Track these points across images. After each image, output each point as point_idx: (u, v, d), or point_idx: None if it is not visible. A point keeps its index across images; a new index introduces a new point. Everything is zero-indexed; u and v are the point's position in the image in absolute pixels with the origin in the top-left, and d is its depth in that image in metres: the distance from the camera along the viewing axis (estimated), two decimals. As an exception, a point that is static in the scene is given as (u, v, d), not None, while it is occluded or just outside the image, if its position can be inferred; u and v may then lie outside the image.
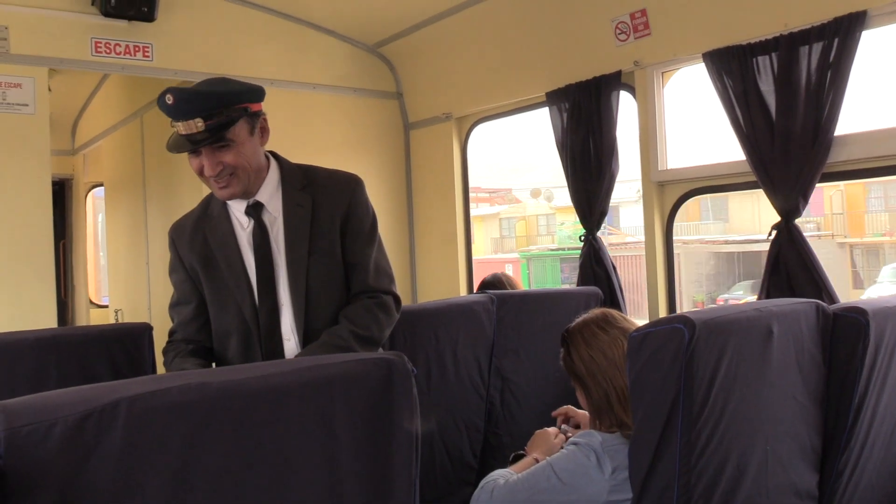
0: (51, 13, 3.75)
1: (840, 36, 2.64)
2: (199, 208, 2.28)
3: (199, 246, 2.19)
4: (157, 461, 0.94)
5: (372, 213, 2.32)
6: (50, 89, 3.98)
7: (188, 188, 4.36)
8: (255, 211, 2.18)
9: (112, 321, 5.75)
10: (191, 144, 2.01)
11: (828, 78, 2.67)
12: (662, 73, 3.37)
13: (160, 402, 0.93)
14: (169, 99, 1.98)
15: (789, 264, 2.74)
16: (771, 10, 2.86)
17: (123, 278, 5.83)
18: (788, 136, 2.76)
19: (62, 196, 6.96)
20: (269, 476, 1.03)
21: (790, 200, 2.77)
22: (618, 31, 3.40)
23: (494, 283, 3.60)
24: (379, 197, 4.75)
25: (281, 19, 4.39)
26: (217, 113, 2.00)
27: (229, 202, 2.18)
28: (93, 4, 3.79)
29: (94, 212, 7.70)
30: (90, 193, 7.26)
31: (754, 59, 2.88)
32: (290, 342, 2.16)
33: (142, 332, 2.32)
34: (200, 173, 2.08)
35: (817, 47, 2.71)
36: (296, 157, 4.34)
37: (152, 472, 0.93)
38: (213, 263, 2.17)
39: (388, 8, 4.24)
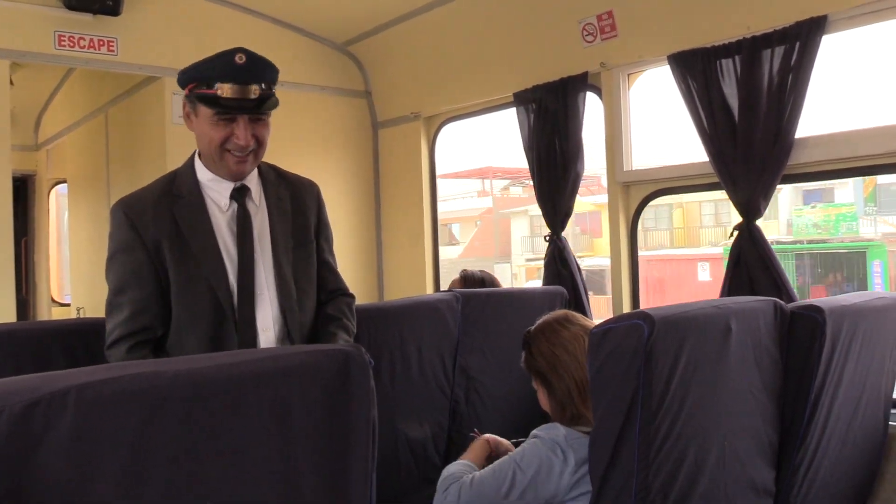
0: (13, 5, 3.69)
1: (801, 40, 2.68)
2: (158, 187, 2.12)
3: (166, 225, 2.02)
4: (108, 450, 0.92)
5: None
6: (12, 83, 3.92)
7: (153, 185, 4.30)
8: (240, 195, 2.11)
9: (74, 319, 5.67)
10: (239, 109, 1.96)
11: (789, 81, 2.72)
12: (628, 74, 3.40)
13: (111, 390, 0.92)
14: (241, 58, 1.94)
15: (750, 264, 2.78)
16: (734, 13, 2.90)
17: (86, 276, 5.74)
18: (750, 137, 2.80)
19: (24, 192, 6.85)
20: (222, 466, 1.02)
21: (752, 201, 2.81)
22: (585, 33, 3.42)
23: (470, 279, 3.59)
24: (346, 195, 4.74)
25: (249, 16, 4.37)
26: (270, 84, 2.02)
27: (204, 183, 2.09)
28: (56, -3, 3.74)
29: (57, 209, 7.58)
30: (53, 190, 7.15)
31: (718, 62, 2.92)
32: (269, 333, 2.08)
33: (101, 327, 2.28)
34: (223, 142, 1.99)
35: (779, 51, 2.75)
36: (265, 155, 4.35)
37: (103, 462, 0.92)
38: (183, 246, 2.02)
39: (358, 6, 4.24)
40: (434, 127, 4.56)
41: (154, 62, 4.04)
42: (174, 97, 4.09)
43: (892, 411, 2.53)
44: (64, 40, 3.79)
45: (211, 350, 1.96)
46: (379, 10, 4.22)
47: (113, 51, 3.90)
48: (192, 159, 2.14)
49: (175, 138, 4.11)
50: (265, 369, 1.09)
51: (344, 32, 4.59)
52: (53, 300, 7.05)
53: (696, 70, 2.96)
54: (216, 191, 2.09)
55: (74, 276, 6.20)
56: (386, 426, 2.21)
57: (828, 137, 2.76)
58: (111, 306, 2.04)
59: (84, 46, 3.84)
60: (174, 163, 4.01)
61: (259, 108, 1.98)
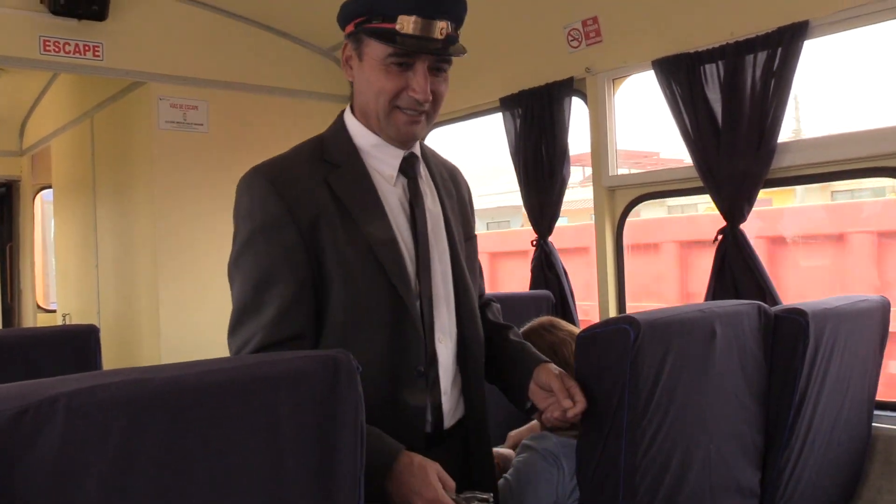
0: (-3, 10, 3.68)
1: (783, 45, 2.71)
2: (305, 152, 1.68)
3: (323, 198, 1.57)
4: (96, 457, 0.93)
5: None
6: (-4, 88, 3.91)
7: (141, 191, 4.30)
8: (410, 167, 1.68)
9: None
10: (421, 51, 1.54)
11: (771, 86, 2.75)
12: (613, 79, 3.42)
13: (100, 397, 0.93)
14: None
15: (734, 267, 2.81)
16: (717, 19, 2.93)
17: (72, 282, 5.72)
18: (734, 142, 2.82)
19: (9, 198, 6.82)
20: (210, 473, 1.03)
21: (735, 205, 2.83)
22: (570, 38, 3.45)
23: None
24: (334, 200, 4.74)
25: (235, 21, 4.37)
26: (459, 23, 1.59)
27: (364, 149, 1.66)
28: (42, 2, 3.72)
29: (42, 214, 7.54)
30: (38, 196, 7.11)
31: (701, 67, 2.94)
32: (444, 346, 1.67)
33: (88, 334, 2.27)
34: (395, 95, 1.57)
35: (762, 56, 2.78)
36: (250, 160, 4.32)
37: (91, 468, 0.92)
38: (347, 225, 1.57)
39: (344, 11, 4.24)
40: (421, 132, 4.57)
41: (140, 67, 4.03)
42: (160, 102, 4.09)
43: (875, 412, 2.56)
44: (49, 45, 3.78)
45: (389, 362, 1.58)
46: (365, 15, 4.23)
47: (98, 56, 3.89)
48: (340, 122, 1.71)
49: (162, 143, 4.11)
50: (253, 376, 1.09)
51: (329, 37, 4.60)
52: (39, 306, 7.02)
53: (680, 75, 2.99)
54: (380, 159, 1.66)
55: (60, 283, 6.17)
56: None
57: (808, 142, 2.79)
58: (246, 308, 1.56)
59: (69, 51, 3.83)
60: (162, 168, 4.09)
61: (448, 53, 1.56)
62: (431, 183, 1.75)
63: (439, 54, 1.55)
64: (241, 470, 1.07)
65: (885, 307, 2.49)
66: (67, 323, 5.49)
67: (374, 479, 1.39)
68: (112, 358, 4.13)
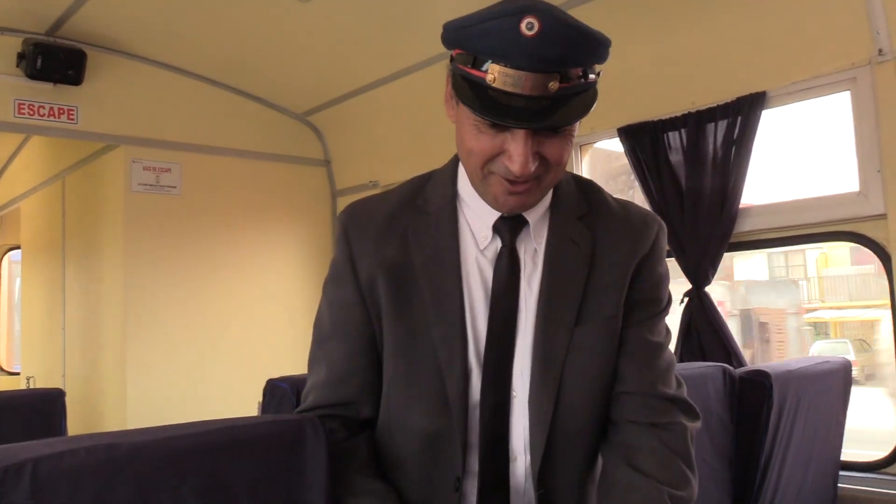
0: (-28, 74, 3.71)
1: (742, 114, 2.82)
2: (403, 193, 1.38)
3: (392, 252, 1.31)
4: (62, 524, 0.93)
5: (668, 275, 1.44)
6: (-33, 150, 3.92)
7: (111, 253, 4.29)
8: (510, 229, 1.31)
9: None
10: (527, 117, 1.12)
11: (732, 153, 2.84)
12: (581, 146, 3.51)
13: (67, 463, 0.93)
14: (531, 25, 1.08)
15: (700, 330, 2.86)
16: (680, 89, 3.04)
17: (37, 344, 5.63)
18: (697, 207, 2.90)
19: (-25, 259, 6.73)
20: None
21: (700, 269, 2.89)
22: (538, 106, 3.54)
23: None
24: (305, 263, 4.76)
25: (209, 85, 4.43)
26: (581, 71, 1.15)
27: (464, 197, 1.34)
28: (18, 66, 3.76)
29: (9, 275, 7.45)
30: (6, 256, 7.04)
31: (665, 135, 3.04)
32: (518, 462, 1.29)
33: (55, 398, 2.25)
34: (487, 160, 1.20)
35: (722, 124, 2.88)
36: (224, 222, 4.39)
37: (57, 536, 0.92)
38: (410, 287, 1.30)
39: (318, 78, 4.33)
40: (393, 195, 4.63)
41: (114, 130, 4.07)
42: (133, 164, 4.11)
43: (841, 473, 2.59)
44: (24, 108, 3.81)
45: (425, 462, 1.30)
46: (339, 81, 4.32)
47: (73, 119, 3.93)
48: (456, 157, 1.37)
49: (134, 207, 4.12)
50: (219, 441, 1.10)
51: (303, 103, 4.68)
52: (1, 368, 6.88)
53: (644, 142, 3.08)
54: (476, 212, 1.32)
55: (25, 345, 6.07)
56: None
57: (769, 207, 2.88)
58: (311, 356, 1.40)
59: (44, 114, 3.86)
60: (133, 230, 4.09)
61: (549, 117, 1.13)
62: (544, 247, 1.33)
63: (537, 126, 1.13)
64: (208, 536, 1.07)
65: (846, 368, 2.55)
66: (31, 386, 5.38)
67: None
68: (77, 422, 4.06)
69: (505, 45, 1.10)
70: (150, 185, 4.16)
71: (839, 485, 2.58)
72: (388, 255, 1.30)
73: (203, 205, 4.33)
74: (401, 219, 1.33)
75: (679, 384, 1.39)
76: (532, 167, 1.17)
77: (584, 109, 1.16)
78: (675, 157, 3.03)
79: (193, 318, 4.23)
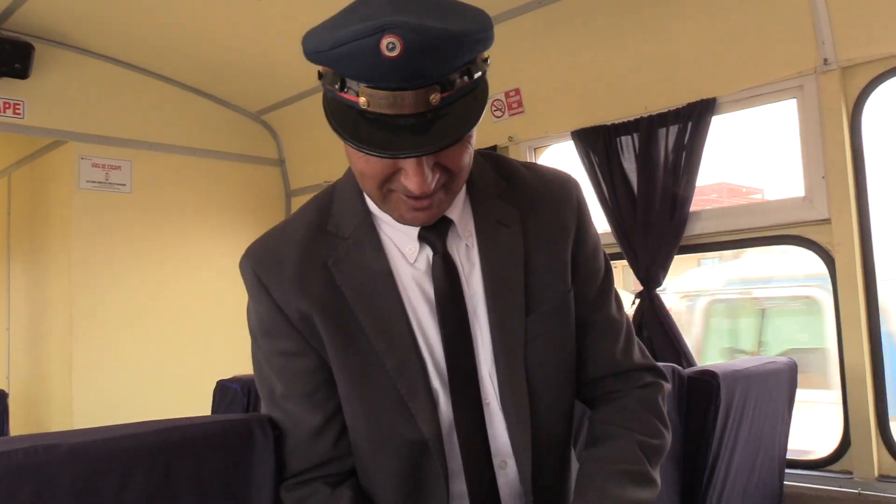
0: (-87, 66, 3.60)
1: (693, 120, 2.87)
2: (306, 221, 1.26)
3: (318, 288, 1.19)
4: (-1, 526, 0.90)
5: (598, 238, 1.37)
6: None
7: (59, 251, 4.19)
8: (437, 234, 1.22)
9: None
10: (412, 143, 1.00)
11: (683, 157, 2.89)
12: (535, 148, 3.54)
13: (4, 464, 0.90)
14: (392, 46, 0.95)
15: (651, 330, 2.90)
16: (632, 94, 3.08)
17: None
18: (649, 210, 2.95)
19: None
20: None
21: (651, 271, 2.94)
22: (494, 108, 3.56)
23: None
24: (259, 263, 4.70)
25: (161, 82, 4.36)
26: (463, 71, 1.02)
27: (378, 215, 1.23)
28: (-39, 59, 3.66)
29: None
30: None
31: (618, 139, 3.08)
32: (507, 469, 1.24)
33: (-4, 400, 2.20)
34: (383, 182, 1.09)
35: (673, 129, 2.93)
36: (176, 221, 4.32)
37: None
38: (348, 323, 1.19)
39: (273, 77, 4.29)
40: (348, 195, 4.61)
41: (62, 126, 3.98)
42: (82, 161, 4.02)
43: (786, 471, 2.65)
44: (-33, 102, 3.71)
45: (407, 501, 1.23)
46: (293, 80, 4.29)
47: (19, 113, 3.83)
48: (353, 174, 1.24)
49: (83, 204, 4.03)
50: (162, 441, 1.08)
51: (258, 101, 4.64)
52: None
53: (597, 146, 3.12)
54: (396, 227, 1.22)
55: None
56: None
57: (717, 211, 2.94)
58: (273, 416, 1.26)
59: (-12, 109, 3.76)
60: (82, 229, 4.00)
61: (437, 134, 1.02)
62: (475, 240, 1.25)
63: (425, 153, 1.01)
64: (152, 538, 1.05)
65: (792, 368, 2.60)
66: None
67: None
68: (20, 424, 3.96)
69: (369, 69, 0.97)
70: (100, 182, 4.08)
71: (785, 482, 2.64)
72: (314, 293, 1.19)
73: (154, 203, 4.26)
74: (316, 251, 1.21)
75: (641, 350, 1.39)
76: (433, 185, 1.07)
77: (476, 113, 1.04)
78: (628, 161, 3.07)
79: (142, 319, 4.16)
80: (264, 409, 1.27)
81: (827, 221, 2.62)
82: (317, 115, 4.75)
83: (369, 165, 1.07)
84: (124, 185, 4.15)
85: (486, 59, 1.07)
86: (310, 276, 1.19)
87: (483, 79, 1.07)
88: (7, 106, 3.80)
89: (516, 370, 1.21)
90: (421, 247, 1.21)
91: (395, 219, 1.18)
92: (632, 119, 3.05)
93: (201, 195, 4.49)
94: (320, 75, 1.08)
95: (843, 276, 2.57)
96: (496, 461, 1.22)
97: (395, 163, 1.06)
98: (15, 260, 4.89)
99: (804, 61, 2.64)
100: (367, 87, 0.99)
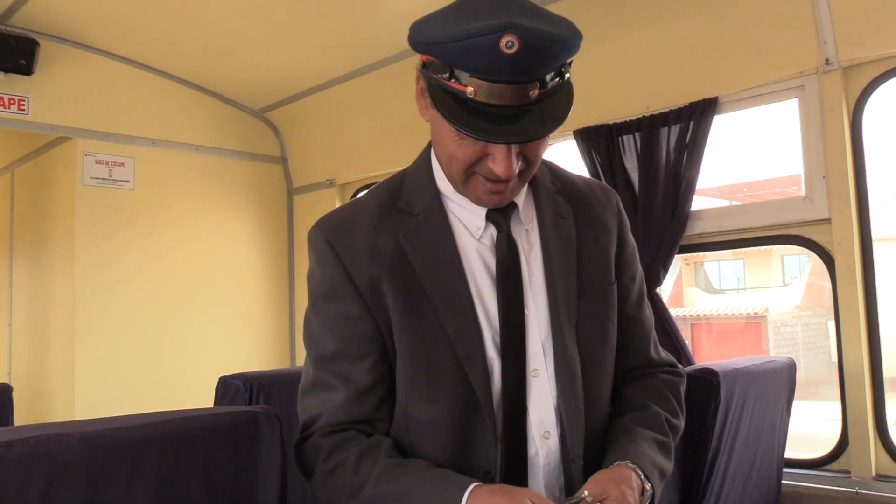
0: (-82, 62, 3.61)
1: (695, 119, 2.88)
2: (378, 198, 1.38)
3: (390, 258, 1.31)
4: (11, 513, 0.92)
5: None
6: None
7: (61, 247, 4.20)
8: (503, 215, 1.34)
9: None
10: (512, 131, 1.15)
11: (684, 157, 2.90)
12: (537, 147, 3.55)
13: (17, 452, 0.92)
14: (511, 44, 1.09)
15: (651, 329, 2.91)
16: (635, 94, 3.10)
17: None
18: (650, 209, 2.96)
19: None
20: (129, 530, 1.02)
21: (652, 270, 2.95)
22: (496, 107, 3.57)
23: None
24: (260, 260, 4.73)
25: (165, 79, 4.38)
26: (557, 71, 1.18)
27: (447, 195, 1.35)
28: (-35, 55, 3.68)
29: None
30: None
31: (620, 138, 3.09)
32: (551, 440, 1.31)
33: (2, 393, 2.21)
34: (470, 165, 1.24)
35: (675, 129, 2.94)
36: (177, 218, 4.34)
37: (6, 525, 0.91)
38: (415, 290, 1.29)
39: (276, 75, 4.31)
40: (349, 194, 4.62)
41: (66, 122, 3.99)
42: (85, 157, 4.04)
43: (785, 470, 2.66)
44: (-29, 98, 3.72)
45: (454, 463, 1.26)
46: (297, 79, 4.30)
47: (24, 110, 3.84)
48: (426, 156, 1.41)
49: (85, 201, 4.05)
50: (170, 431, 1.09)
51: (261, 99, 4.65)
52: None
53: (599, 145, 3.13)
54: (464, 207, 1.35)
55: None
56: (300, 493, 2.18)
57: (718, 210, 2.96)
58: (312, 382, 1.35)
59: (-7, 105, 3.77)
60: (84, 225, 4.02)
61: (533, 124, 1.17)
62: (537, 227, 1.38)
63: (526, 140, 1.17)
64: (160, 527, 1.06)
65: (791, 368, 2.61)
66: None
67: None
68: (23, 419, 3.97)
69: (485, 63, 1.11)
70: (103, 179, 4.09)
71: (783, 481, 2.65)
72: (385, 260, 1.30)
73: (157, 200, 4.28)
74: (387, 224, 1.33)
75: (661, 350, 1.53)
76: (516, 170, 1.22)
77: (566, 108, 1.19)
78: (629, 161, 3.08)
79: (145, 315, 4.17)
80: (309, 373, 1.35)
81: (827, 221, 2.63)
82: (320, 113, 4.78)
83: (462, 149, 1.22)
84: (128, 181, 4.17)
85: (570, 63, 1.21)
86: (381, 245, 1.31)
87: (569, 81, 1.22)
88: (12, 102, 3.82)
89: (569, 345, 1.31)
90: (487, 225, 1.34)
91: (472, 200, 1.31)
92: (634, 118, 3.06)
93: (204, 192, 4.50)
94: (424, 65, 1.21)
95: (843, 275, 2.58)
96: (538, 432, 1.30)
97: (485, 148, 1.21)
98: (18, 255, 4.90)
99: (806, 61, 2.65)
100: (480, 78, 1.12)
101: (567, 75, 1.20)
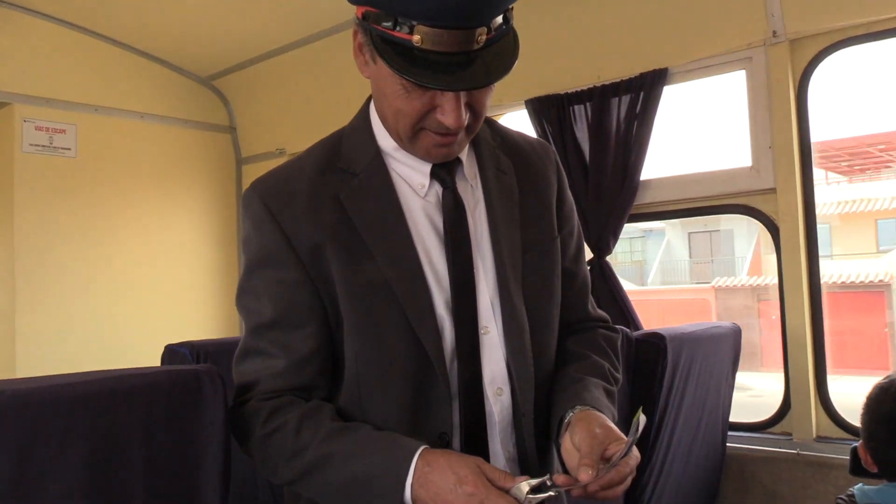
0: None
1: (645, 90, 2.90)
2: (316, 159, 1.34)
3: (329, 219, 1.26)
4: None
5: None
6: None
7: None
8: (447, 171, 1.32)
9: None
10: (462, 78, 1.12)
11: (634, 127, 2.92)
12: (489, 117, 3.53)
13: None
14: None
15: (601, 296, 2.93)
16: (586, 64, 3.10)
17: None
18: (601, 178, 2.97)
19: None
20: (65, 489, 0.99)
21: (602, 239, 2.97)
22: (448, 76, 3.54)
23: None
24: (208, 229, 4.65)
25: (109, 44, 4.24)
26: (505, 17, 1.17)
27: (389, 153, 1.32)
28: None
29: None
30: None
31: (571, 108, 3.10)
32: (503, 396, 1.30)
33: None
34: (418, 120, 1.21)
35: (625, 99, 2.95)
36: (122, 187, 4.24)
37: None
38: (360, 252, 1.26)
39: (224, 41, 4.21)
40: (300, 164, 4.56)
41: (4, 87, 3.84)
42: (25, 123, 3.90)
43: (729, 433, 2.72)
44: None
45: (409, 426, 1.24)
46: (245, 45, 4.21)
47: (-43, 74, 3.70)
48: (364, 114, 1.37)
49: (25, 169, 3.91)
50: (107, 389, 1.06)
51: (208, 66, 4.54)
52: None
53: (551, 115, 3.13)
54: (408, 164, 1.32)
55: None
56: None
57: (668, 180, 2.98)
58: (248, 350, 1.31)
59: (-76, 69, 3.62)
60: (23, 195, 3.89)
61: (481, 70, 1.14)
62: (480, 183, 1.37)
63: (478, 86, 1.15)
64: (96, 484, 1.04)
65: (736, 333, 2.67)
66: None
67: None
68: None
69: (431, 7, 1.07)
70: (44, 146, 3.96)
71: (728, 444, 2.71)
72: (326, 223, 1.25)
73: (100, 169, 4.16)
74: (327, 185, 1.28)
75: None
76: (465, 120, 1.19)
77: (512, 57, 1.17)
78: (580, 131, 3.09)
79: (89, 285, 4.07)
80: (246, 341, 1.31)
81: (772, 191, 2.68)
82: (269, 82, 4.67)
83: (409, 103, 1.19)
84: (69, 149, 4.04)
85: (511, 8, 1.18)
86: (322, 208, 1.26)
87: (514, 28, 1.20)
88: (-55, 66, 3.67)
89: (516, 301, 1.30)
90: (431, 183, 1.31)
91: (419, 156, 1.28)
92: (585, 88, 3.06)
93: (149, 161, 4.39)
94: (364, 17, 1.17)
95: (787, 244, 2.64)
96: (491, 389, 1.29)
97: (433, 100, 1.18)
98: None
99: (754, 33, 2.68)
100: (426, 25, 1.09)
101: (511, 21, 1.18)
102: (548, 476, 1.12)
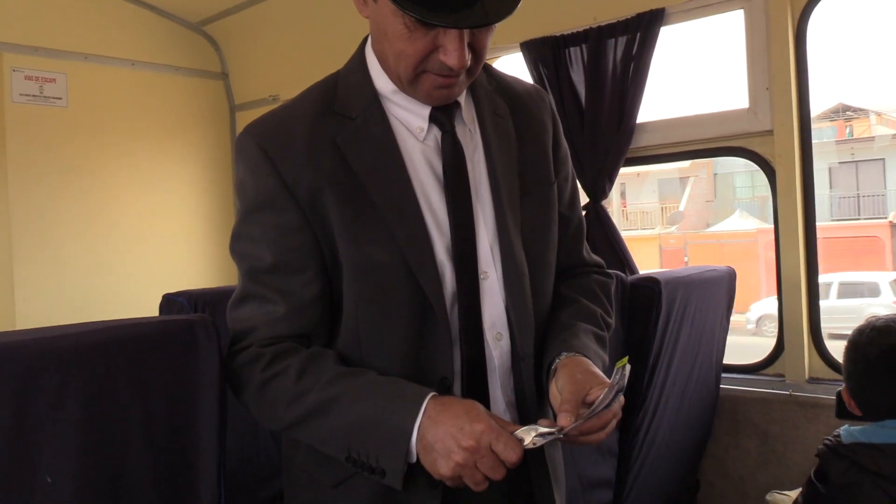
0: None
1: (641, 31, 2.85)
2: (311, 103, 1.31)
3: (328, 164, 1.25)
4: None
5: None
6: None
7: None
8: (446, 115, 1.30)
9: None
10: (468, 15, 1.11)
11: (630, 69, 2.88)
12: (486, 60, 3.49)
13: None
14: None
15: (597, 241, 2.93)
16: (582, 4, 3.04)
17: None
18: (596, 122, 2.95)
19: None
20: (61, 439, 1.00)
21: (598, 183, 2.96)
22: (442, 19, 3.49)
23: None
24: (201, 178, 4.63)
25: (96, -10, 4.16)
26: None
27: (387, 96, 1.30)
28: None
29: None
30: None
31: (567, 50, 3.05)
32: (503, 341, 1.30)
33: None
34: (420, 61, 1.19)
35: (622, 41, 2.91)
36: (114, 136, 4.20)
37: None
38: (358, 198, 1.24)
39: (213, -15, 4.13)
40: (295, 110, 4.51)
41: (-10, 36, 3.79)
42: (14, 73, 3.85)
43: (723, 375, 2.75)
44: None
45: (411, 372, 1.24)
46: (236, -11, 4.13)
47: (-57, 23, 3.63)
48: (359, 57, 1.34)
49: (15, 119, 3.87)
50: (101, 341, 1.07)
51: (199, 11, 4.46)
52: None
53: (546, 57, 3.08)
54: (405, 108, 1.30)
55: None
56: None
57: (664, 123, 2.95)
58: (245, 295, 1.29)
59: None
60: (15, 146, 3.86)
61: (484, 19, 1.13)
62: (478, 126, 1.35)
63: (489, 23, 1.13)
64: (92, 436, 1.05)
65: (731, 277, 2.68)
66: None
67: (399, 444, 1.12)
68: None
69: None
70: (34, 95, 3.91)
71: (721, 385, 2.75)
72: (324, 168, 1.23)
73: (92, 118, 4.11)
74: (323, 129, 1.26)
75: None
76: (468, 61, 1.17)
77: (508, 9, 1.14)
78: (577, 73, 3.05)
79: (85, 235, 4.07)
80: (243, 286, 1.29)
81: (770, 133, 2.66)
82: (262, 26, 4.59)
83: (412, 44, 1.16)
84: (60, 98, 3.99)
85: None
86: (319, 152, 1.24)
87: None
88: (-71, 14, 3.60)
89: (516, 246, 1.30)
90: (430, 126, 1.29)
91: (419, 98, 1.26)
92: (581, 30, 3.01)
93: (141, 109, 4.34)
94: None
95: (783, 186, 2.63)
96: (491, 333, 1.28)
97: (435, 40, 1.15)
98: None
99: (752, -29, 2.63)
100: None
101: None
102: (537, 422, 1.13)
